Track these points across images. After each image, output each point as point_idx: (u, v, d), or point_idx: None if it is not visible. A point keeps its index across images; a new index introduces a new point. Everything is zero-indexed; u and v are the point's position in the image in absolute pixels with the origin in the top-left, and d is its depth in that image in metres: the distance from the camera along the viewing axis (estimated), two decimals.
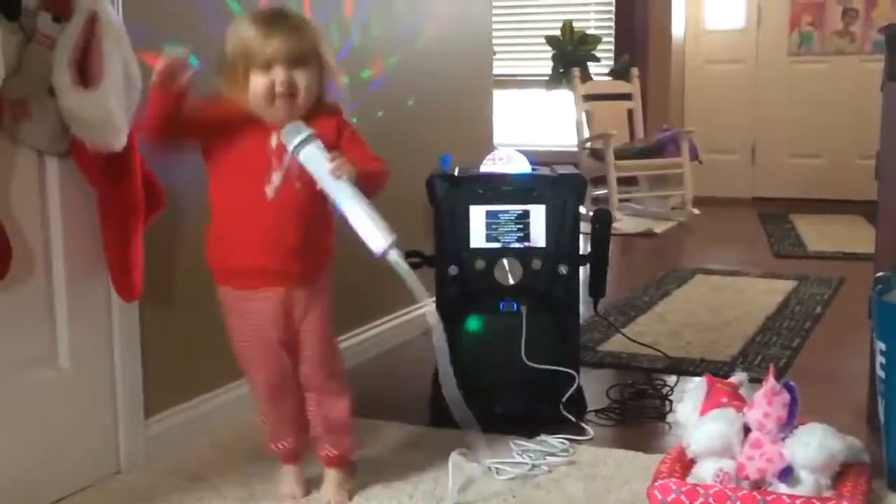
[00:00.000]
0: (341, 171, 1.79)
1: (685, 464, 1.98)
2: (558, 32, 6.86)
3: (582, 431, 2.44)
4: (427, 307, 1.98)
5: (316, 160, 1.80)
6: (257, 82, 1.81)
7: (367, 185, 1.84)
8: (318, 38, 1.86)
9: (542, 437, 2.36)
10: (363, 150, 1.93)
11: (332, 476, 2.06)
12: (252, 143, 1.86)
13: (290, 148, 1.80)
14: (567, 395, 2.49)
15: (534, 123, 7.15)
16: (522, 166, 2.59)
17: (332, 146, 1.84)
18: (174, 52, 1.77)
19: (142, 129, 1.89)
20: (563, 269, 2.48)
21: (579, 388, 2.53)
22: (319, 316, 1.96)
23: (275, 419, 2.04)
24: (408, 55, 3.33)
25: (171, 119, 1.80)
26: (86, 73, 1.90)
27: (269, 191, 1.85)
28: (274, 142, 1.84)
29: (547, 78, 6.88)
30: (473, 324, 2.52)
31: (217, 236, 1.92)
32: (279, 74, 1.80)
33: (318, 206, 1.87)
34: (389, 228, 1.81)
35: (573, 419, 2.48)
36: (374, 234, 1.80)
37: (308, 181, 1.83)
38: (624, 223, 5.82)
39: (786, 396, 1.91)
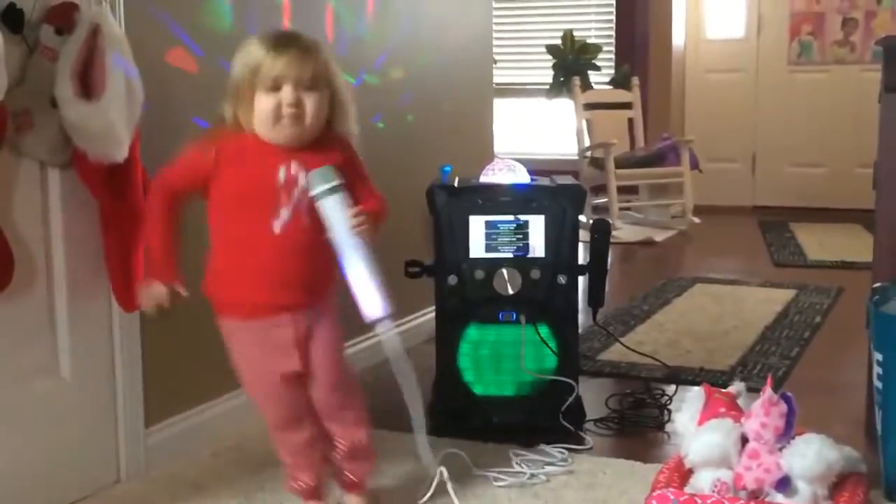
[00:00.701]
0: (360, 229, 1.78)
1: (683, 473, 1.99)
2: (559, 41, 6.88)
3: (580, 441, 2.45)
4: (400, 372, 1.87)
5: (337, 212, 1.77)
6: (264, 102, 1.77)
7: (375, 231, 1.83)
8: (329, 63, 1.83)
9: (541, 446, 2.36)
10: (369, 186, 1.91)
11: (352, 501, 2.03)
12: (259, 174, 1.80)
13: (314, 192, 1.77)
14: (566, 405, 2.50)
15: (534, 132, 7.16)
16: (521, 177, 2.60)
17: (341, 170, 1.82)
18: (154, 296, 1.83)
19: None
20: (562, 279, 2.50)
21: (578, 398, 2.54)
22: (328, 339, 1.90)
23: (292, 454, 1.96)
24: (408, 65, 3.35)
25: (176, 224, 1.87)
26: (88, 84, 1.91)
27: (277, 226, 1.80)
28: (283, 175, 1.80)
29: (547, 87, 6.90)
30: (473, 334, 2.53)
31: (218, 269, 1.86)
32: (287, 94, 1.76)
33: (324, 240, 1.82)
34: (388, 299, 1.79)
35: (572, 429, 2.48)
36: (373, 300, 1.78)
37: (318, 218, 1.80)
38: (624, 232, 5.83)
39: (783, 407, 1.92)
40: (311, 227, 1.81)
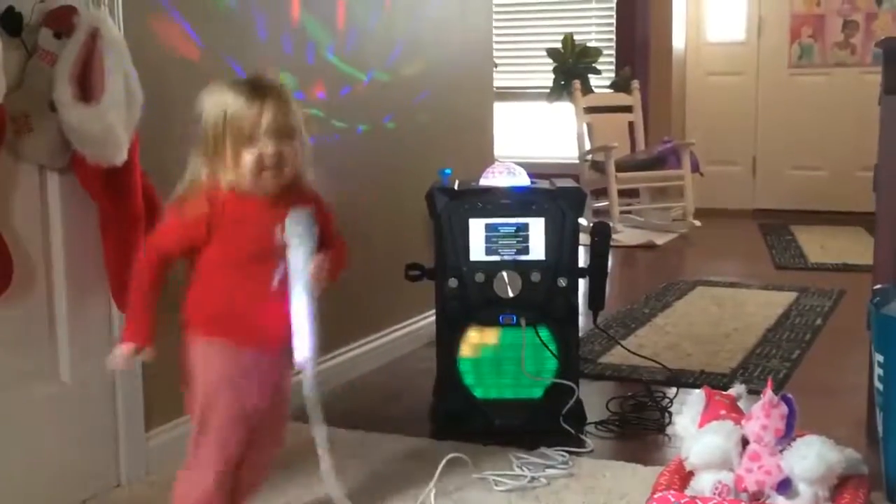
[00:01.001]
0: (321, 278, 1.77)
1: (684, 476, 1.98)
2: (559, 45, 6.88)
3: (581, 444, 2.45)
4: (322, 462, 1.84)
5: (305, 256, 1.77)
6: (245, 156, 1.72)
7: (334, 279, 1.84)
8: (298, 109, 1.80)
9: (542, 449, 2.36)
10: (334, 232, 1.90)
11: None
12: (258, 234, 1.78)
13: (289, 233, 1.76)
14: (567, 408, 2.50)
15: (535, 136, 7.16)
16: (522, 179, 2.60)
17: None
18: (123, 357, 1.81)
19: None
20: (562, 282, 2.50)
21: (579, 401, 2.54)
22: (287, 393, 1.92)
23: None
24: (409, 69, 3.35)
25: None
26: (87, 88, 1.91)
27: (275, 280, 1.78)
28: (279, 233, 1.77)
29: (548, 90, 6.90)
30: (473, 337, 2.53)
31: (216, 314, 1.82)
32: (268, 147, 1.72)
33: None
34: (317, 346, 1.79)
35: (572, 432, 2.48)
36: (304, 343, 1.78)
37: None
38: (625, 235, 5.83)
39: (784, 409, 1.92)
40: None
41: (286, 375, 1.89)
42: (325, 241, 1.82)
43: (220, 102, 1.74)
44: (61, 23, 1.91)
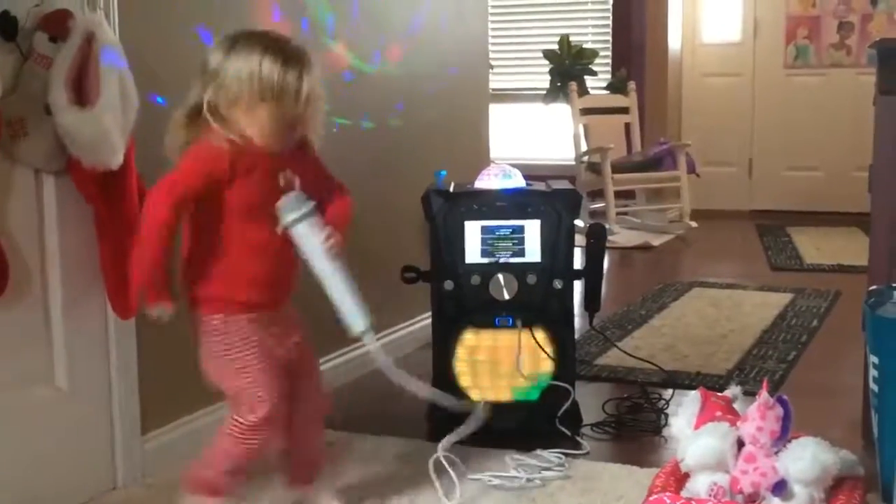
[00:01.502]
0: (335, 250, 1.85)
1: (679, 478, 1.99)
2: (556, 46, 6.89)
3: (577, 445, 2.45)
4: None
5: (311, 238, 1.84)
6: (267, 112, 1.79)
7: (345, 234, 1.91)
8: (319, 77, 1.86)
9: (538, 451, 2.36)
10: (335, 182, 1.99)
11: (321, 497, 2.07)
12: (266, 183, 1.85)
13: (286, 221, 1.83)
14: (563, 410, 2.50)
15: (531, 137, 7.16)
16: (517, 181, 2.61)
17: (312, 180, 1.90)
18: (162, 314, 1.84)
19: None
20: (558, 284, 2.50)
21: (575, 403, 2.54)
22: (308, 343, 2.01)
23: (251, 455, 1.92)
24: (404, 70, 3.35)
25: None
26: (82, 92, 1.91)
27: (278, 229, 1.85)
28: (282, 181, 1.85)
29: (544, 92, 6.91)
30: (469, 339, 2.53)
31: (227, 271, 1.86)
32: (293, 109, 1.80)
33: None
34: (368, 312, 1.87)
35: (568, 433, 2.48)
36: (355, 315, 1.86)
37: None
38: (621, 236, 5.83)
39: (779, 410, 1.92)
40: None
41: (302, 326, 1.97)
42: (326, 196, 1.91)
43: (253, 58, 1.78)
44: (57, 27, 1.91)
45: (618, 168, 5.96)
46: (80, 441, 2.13)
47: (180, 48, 2.31)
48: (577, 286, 2.57)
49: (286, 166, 1.87)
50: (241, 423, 1.87)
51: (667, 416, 2.62)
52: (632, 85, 6.45)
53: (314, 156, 1.95)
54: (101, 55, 1.93)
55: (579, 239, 2.57)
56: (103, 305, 2.12)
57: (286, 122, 1.81)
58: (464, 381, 2.54)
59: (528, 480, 2.22)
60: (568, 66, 6.79)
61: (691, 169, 6.14)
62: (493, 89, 4.23)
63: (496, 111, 4.35)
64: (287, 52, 1.81)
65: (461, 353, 2.53)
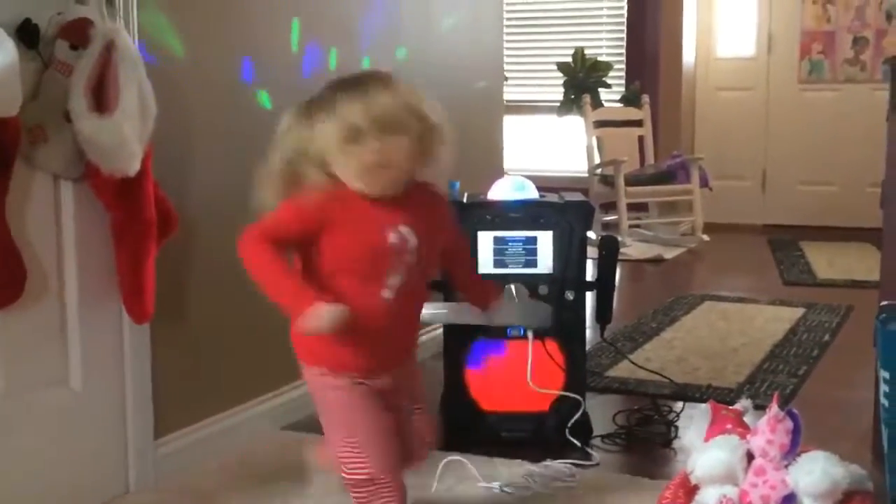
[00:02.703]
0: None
1: (689, 490, 1.99)
2: (570, 59, 6.90)
3: (587, 457, 2.45)
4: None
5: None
6: (350, 154, 1.63)
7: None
8: (413, 101, 1.69)
9: (548, 462, 2.37)
10: (463, 240, 1.90)
11: None
12: (369, 236, 1.68)
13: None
14: (573, 421, 2.50)
15: (545, 149, 7.18)
16: (530, 193, 2.62)
17: (440, 226, 1.77)
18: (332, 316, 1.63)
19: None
20: (569, 295, 2.51)
21: (585, 414, 2.55)
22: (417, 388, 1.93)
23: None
24: (418, 81, 3.36)
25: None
26: (101, 99, 1.93)
27: (387, 292, 1.69)
28: (392, 238, 1.68)
29: (558, 104, 6.92)
30: (480, 349, 2.54)
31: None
32: (372, 144, 1.62)
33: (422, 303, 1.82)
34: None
35: (578, 444, 2.49)
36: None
37: (423, 283, 1.77)
38: (633, 249, 5.83)
39: (789, 423, 1.92)
40: (418, 293, 1.77)
41: (416, 376, 1.87)
42: (460, 256, 1.82)
43: (327, 107, 1.65)
44: (77, 35, 1.94)
45: (631, 181, 5.97)
46: (93, 444, 2.15)
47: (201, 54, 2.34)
48: (589, 298, 2.58)
49: (405, 220, 1.69)
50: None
51: (677, 428, 2.63)
52: (645, 98, 6.46)
53: (442, 203, 1.77)
54: (119, 64, 1.95)
55: (591, 251, 2.58)
56: (119, 310, 2.14)
57: (370, 159, 1.63)
58: (475, 390, 2.55)
59: (539, 491, 2.22)
60: (582, 79, 6.81)
61: (704, 182, 6.15)
62: (508, 101, 4.25)
63: (510, 123, 4.36)
64: (350, 82, 1.66)
65: (472, 362, 2.54)
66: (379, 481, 1.75)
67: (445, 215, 1.78)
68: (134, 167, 1.97)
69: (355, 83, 1.67)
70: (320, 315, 1.60)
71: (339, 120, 1.63)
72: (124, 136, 1.92)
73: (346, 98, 1.64)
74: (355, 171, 1.64)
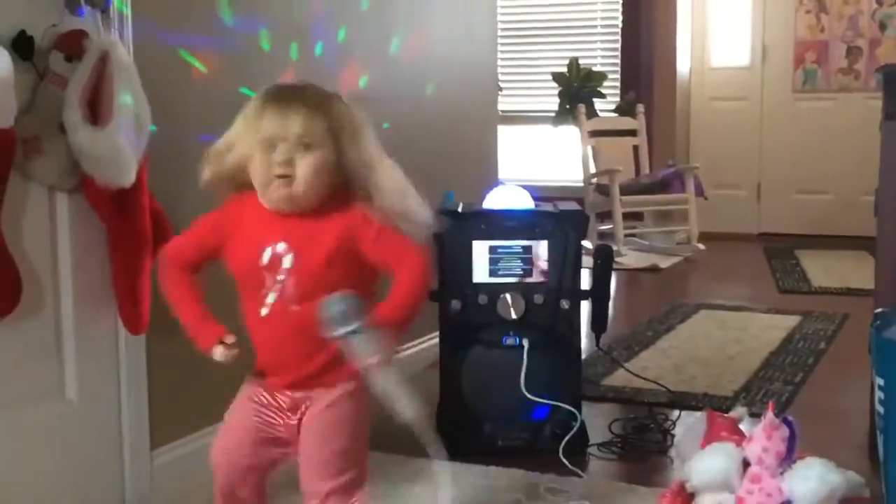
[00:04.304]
0: (385, 362, 1.57)
1: (685, 498, 1.99)
2: (565, 69, 6.92)
3: (583, 466, 2.45)
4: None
5: (360, 351, 1.55)
6: (258, 161, 1.59)
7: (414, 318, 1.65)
8: (341, 119, 1.62)
9: (543, 472, 2.36)
10: (399, 255, 1.64)
11: None
12: (247, 252, 1.64)
13: (334, 335, 1.55)
14: (570, 431, 2.50)
15: (540, 159, 7.19)
16: (525, 202, 2.62)
17: (345, 248, 1.62)
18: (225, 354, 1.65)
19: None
20: (565, 304, 2.51)
21: (581, 423, 2.55)
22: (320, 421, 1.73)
23: None
24: (412, 92, 3.38)
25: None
26: (96, 110, 1.94)
27: (263, 310, 1.64)
28: (266, 257, 1.62)
29: (553, 114, 6.94)
30: (476, 358, 2.55)
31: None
32: (278, 154, 1.57)
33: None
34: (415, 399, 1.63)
35: (567, 462, 2.45)
36: (406, 406, 1.61)
37: (309, 306, 1.58)
38: (629, 258, 5.84)
39: (785, 431, 1.92)
40: (303, 314, 1.60)
41: (333, 415, 1.69)
42: (391, 272, 1.63)
43: (248, 105, 1.64)
44: (72, 46, 1.94)
45: (626, 190, 5.98)
46: (89, 455, 2.14)
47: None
48: (585, 307, 2.59)
49: (289, 237, 1.61)
50: None
51: (673, 436, 2.63)
52: (640, 108, 6.48)
53: (359, 226, 1.62)
54: (114, 75, 1.96)
55: (587, 260, 2.59)
56: (114, 321, 2.14)
57: (275, 171, 1.58)
58: (470, 399, 2.55)
59: (533, 500, 2.23)
60: (577, 89, 6.83)
61: (699, 192, 6.16)
62: (502, 111, 4.26)
63: (505, 133, 4.37)
64: (280, 93, 1.63)
65: (468, 371, 2.54)
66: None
67: (361, 239, 1.63)
68: (129, 178, 1.97)
69: (287, 93, 1.64)
70: (216, 356, 1.65)
71: (257, 129, 1.59)
72: (119, 148, 1.93)
73: (271, 108, 1.60)
74: (258, 180, 1.61)
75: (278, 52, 2.69)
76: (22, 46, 1.89)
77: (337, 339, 1.55)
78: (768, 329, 4.04)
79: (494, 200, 2.64)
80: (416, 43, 3.40)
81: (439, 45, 3.55)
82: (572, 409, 2.52)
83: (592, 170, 6.26)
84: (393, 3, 3.26)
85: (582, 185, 6.27)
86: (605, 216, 6.05)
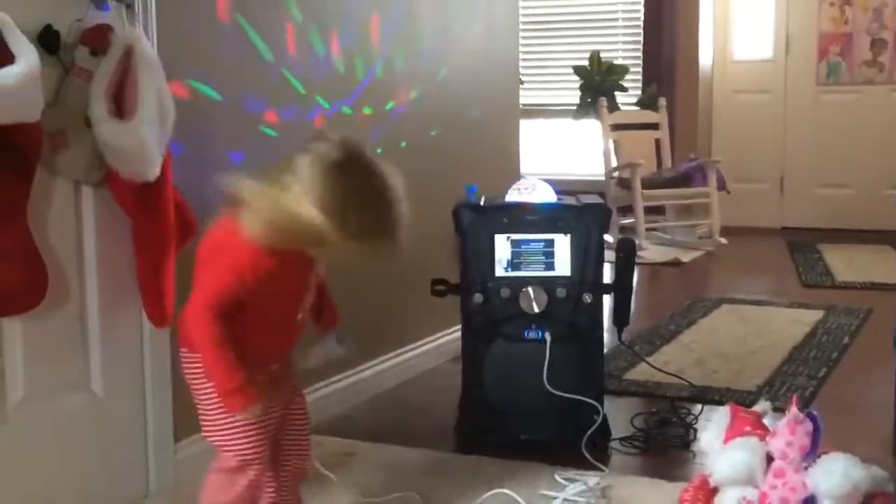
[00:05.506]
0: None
1: (708, 492, 1.99)
2: (586, 62, 6.90)
3: (606, 460, 2.45)
4: None
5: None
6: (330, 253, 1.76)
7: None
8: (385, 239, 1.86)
9: (566, 467, 2.36)
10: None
11: None
12: (297, 282, 1.81)
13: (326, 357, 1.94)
14: (592, 425, 2.50)
15: (561, 153, 7.18)
16: (547, 196, 2.62)
17: None
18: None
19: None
20: (587, 298, 2.51)
21: (604, 417, 2.54)
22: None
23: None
24: (433, 85, 3.38)
25: None
26: (121, 104, 1.95)
27: (299, 315, 1.85)
28: (312, 279, 1.84)
29: (575, 108, 6.92)
30: (498, 351, 2.54)
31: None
32: (321, 268, 1.84)
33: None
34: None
35: (589, 456, 2.44)
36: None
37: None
38: (651, 252, 5.82)
39: (809, 425, 1.92)
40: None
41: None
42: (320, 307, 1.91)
43: (350, 207, 1.72)
44: (97, 40, 1.95)
45: (648, 184, 5.96)
46: (113, 447, 2.16)
47: (214, 60, 2.35)
48: (607, 301, 2.58)
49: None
50: None
51: (696, 430, 2.62)
52: (662, 101, 6.45)
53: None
54: (139, 69, 1.97)
55: (609, 254, 2.58)
56: (139, 315, 2.15)
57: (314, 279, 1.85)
58: (493, 393, 2.55)
59: (556, 494, 2.23)
60: (598, 82, 6.81)
61: (721, 185, 6.13)
62: (524, 105, 4.25)
63: (527, 127, 4.36)
64: (384, 227, 1.85)
65: (490, 365, 2.54)
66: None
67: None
68: (154, 172, 1.98)
69: (390, 227, 1.82)
70: (246, 412, 1.74)
71: (343, 237, 1.69)
72: (144, 141, 1.94)
73: (373, 239, 1.78)
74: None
75: (305, 41, 2.70)
76: (48, 41, 1.90)
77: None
78: (791, 323, 4.01)
79: (516, 194, 2.63)
80: (437, 38, 3.40)
81: (461, 39, 3.54)
82: (594, 403, 2.51)
83: (614, 164, 6.24)
84: None
85: (603, 178, 6.26)
86: (627, 210, 6.03)
